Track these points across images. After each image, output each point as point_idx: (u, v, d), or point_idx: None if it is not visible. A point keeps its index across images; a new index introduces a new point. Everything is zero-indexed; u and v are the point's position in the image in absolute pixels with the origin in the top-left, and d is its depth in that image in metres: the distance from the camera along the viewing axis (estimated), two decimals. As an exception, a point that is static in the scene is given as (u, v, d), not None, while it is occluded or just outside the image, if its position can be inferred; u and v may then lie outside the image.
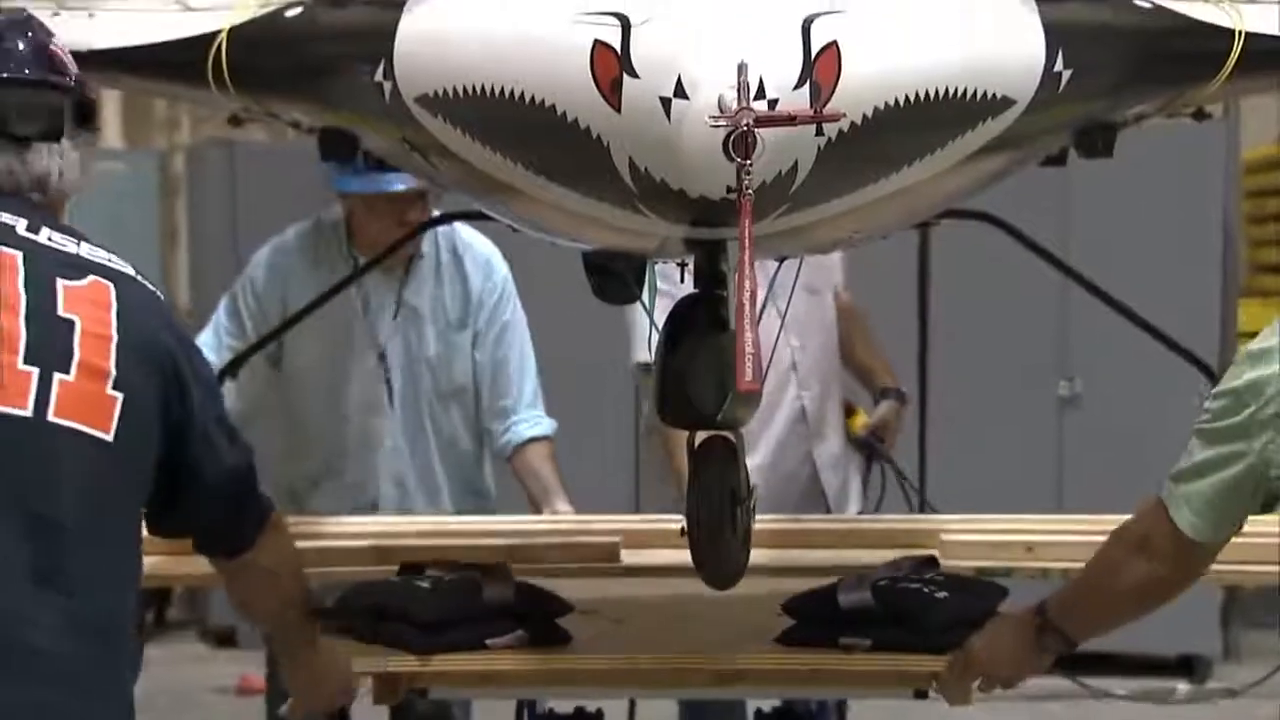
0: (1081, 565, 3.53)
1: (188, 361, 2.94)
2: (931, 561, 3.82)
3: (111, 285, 2.88)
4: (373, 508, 5.07)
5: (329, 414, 5.13)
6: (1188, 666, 8.42)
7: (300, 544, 3.69)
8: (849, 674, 3.54)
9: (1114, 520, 3.65)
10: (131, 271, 2.94)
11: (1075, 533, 4.16)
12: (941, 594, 3.56)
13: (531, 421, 5.12)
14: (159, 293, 2.99)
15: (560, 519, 4.85)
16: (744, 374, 2.69)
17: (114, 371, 2.81)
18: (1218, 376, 4.43)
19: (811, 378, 5.48)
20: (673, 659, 3.57)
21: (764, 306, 4.09)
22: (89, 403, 2.78)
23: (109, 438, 2.79)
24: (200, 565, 3.45)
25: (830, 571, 3.82)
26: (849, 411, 5.48)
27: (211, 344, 5.03)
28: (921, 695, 3.59)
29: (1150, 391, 6.55)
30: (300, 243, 5.16)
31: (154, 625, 9.68)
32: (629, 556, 4.16)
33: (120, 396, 2.81)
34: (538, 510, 5.00)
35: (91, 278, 2.87)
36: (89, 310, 2.83)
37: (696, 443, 3.20)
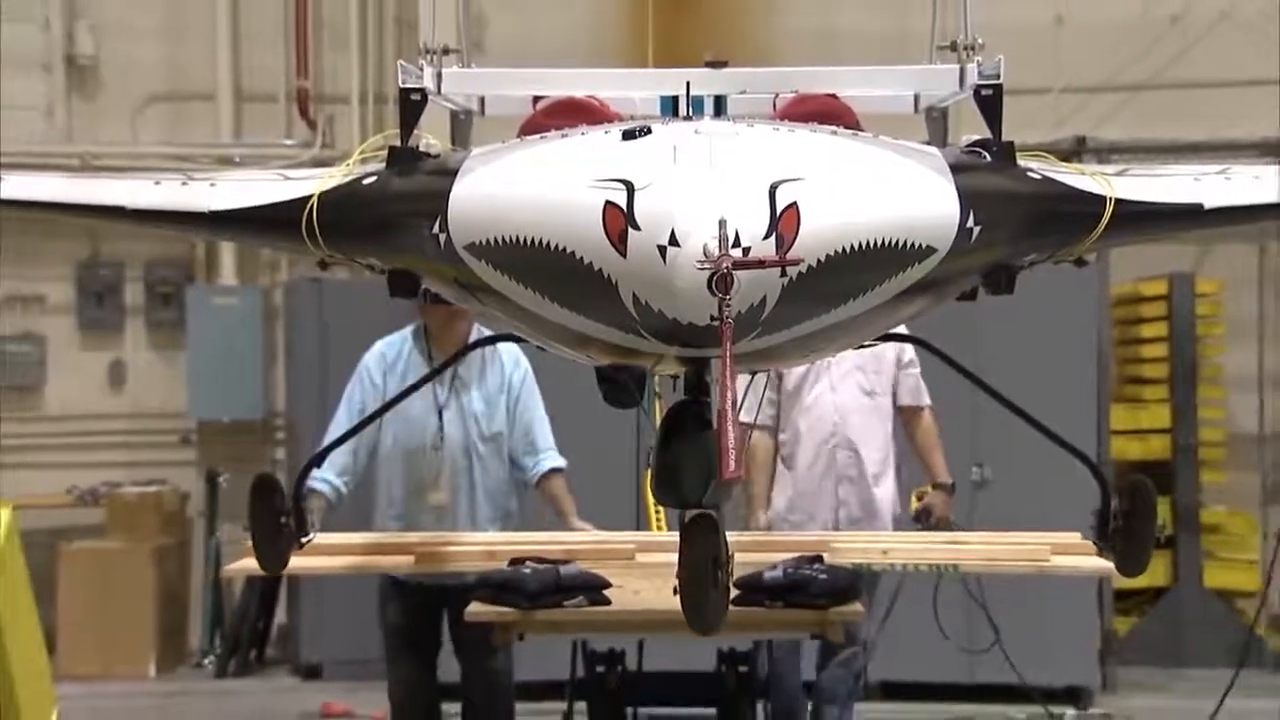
0: (916, 564, 5.09)
1: None
2: (819, 558, 4.88)
3: None
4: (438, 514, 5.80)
5: (406, 456, 5.86)
6: (1074, 695, 8.32)
7: (442, 549, 5.28)
8: (771, 621, 4.71)
9: (933, 538, 5.21)
10: None
11: (913, 543, 5.41)
12: (823, 576, 4.69)
13: (551, 458, 5.94)
14: None
15: (594, 534, 5.60)
16: (727, 465, 2.70)
17: None
18: (1096, 465, 4.44)
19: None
20: (671, 614, 4.18)
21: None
22: None
23: None
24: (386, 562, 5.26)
25: (761, 563, 4.77)
26: (920, 496, 6.24)
27: (346, 414, 5.82)
28: (818, 636, 4.92)
29: (1044, 476, 6.51)
30: (396, 342, 5.99)
31: (255, 661, 9.58)
32: (640, 557, 5.22)
33: None
34: (560, 517, 5.88)
35: None
36: None
37: (686, 518, 3.17)
